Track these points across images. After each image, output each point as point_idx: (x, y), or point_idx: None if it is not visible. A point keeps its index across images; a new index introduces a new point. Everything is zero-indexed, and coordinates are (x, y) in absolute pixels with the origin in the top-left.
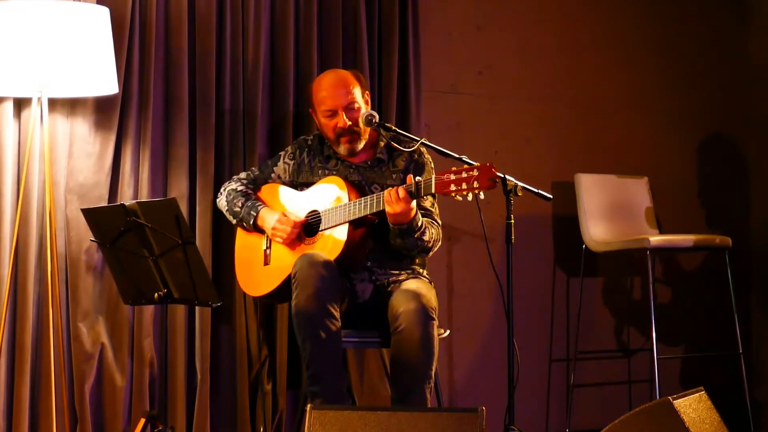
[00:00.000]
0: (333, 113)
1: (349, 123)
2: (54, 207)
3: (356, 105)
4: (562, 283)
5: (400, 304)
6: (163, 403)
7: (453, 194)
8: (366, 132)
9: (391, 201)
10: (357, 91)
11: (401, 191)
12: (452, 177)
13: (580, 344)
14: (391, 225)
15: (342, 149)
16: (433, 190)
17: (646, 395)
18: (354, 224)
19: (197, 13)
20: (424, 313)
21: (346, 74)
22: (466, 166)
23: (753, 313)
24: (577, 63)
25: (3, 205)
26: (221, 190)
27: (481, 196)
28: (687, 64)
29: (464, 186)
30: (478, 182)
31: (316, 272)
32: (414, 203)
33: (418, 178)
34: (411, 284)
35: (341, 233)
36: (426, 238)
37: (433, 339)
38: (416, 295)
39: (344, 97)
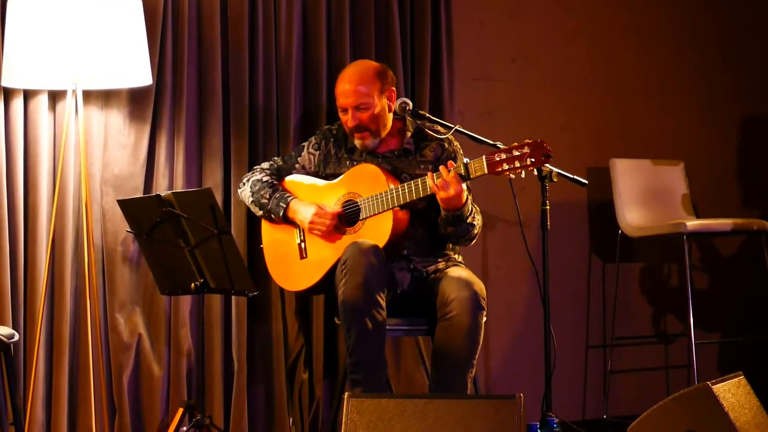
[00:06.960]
0: (343, 110)
1: (354, 123)
2: (90, 199)
3: (366, 106)
4: (598, 269)
5: (452, 291)
6: (200, 392)
7: (506, 173)
8: (385, 127)
9: (444, 185)
10: (371, 92)
11: (451, 172)
12: (503, 156)
13: (617, 330)
14: (443, 212)
15: (357, 143)
16: (485, 170)
17: (683, 381)
18: (398, 211)
19: (229, 3)
20: (476, 302)
21: (365, 72)
22: (515, 144)
23: None
24: (610, 48)
25: (39, 197)
26: (243, 180)
27: (535, 172)
28: (721, 47)
29: (517, 164)
30: (532, 159)
31: (366, 260)
32: (465, 186)
33: (466, 159)
34: (460, 271)
35: (386, 221)
36: (476, 223)
37: (481, 328)
38: (468, 283)
39: (354, 97)
